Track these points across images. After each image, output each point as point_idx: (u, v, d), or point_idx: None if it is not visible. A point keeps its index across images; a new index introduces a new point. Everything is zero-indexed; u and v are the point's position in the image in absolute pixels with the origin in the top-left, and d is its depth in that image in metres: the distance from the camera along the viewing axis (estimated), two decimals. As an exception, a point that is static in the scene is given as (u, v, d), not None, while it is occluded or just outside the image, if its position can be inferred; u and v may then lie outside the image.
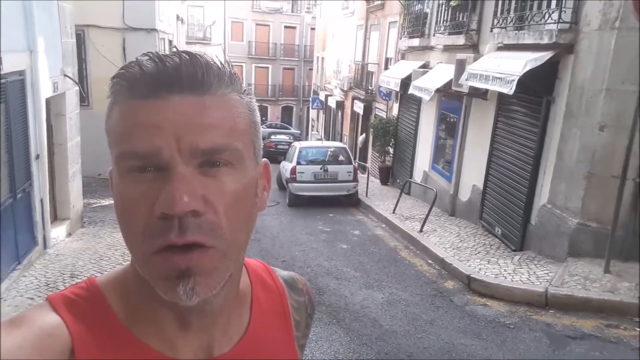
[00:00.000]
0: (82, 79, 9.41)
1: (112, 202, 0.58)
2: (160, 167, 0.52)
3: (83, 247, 6.60)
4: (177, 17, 16.11)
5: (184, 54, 0.54)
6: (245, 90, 0.59)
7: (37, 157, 5.97)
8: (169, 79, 0.53)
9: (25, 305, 4.70)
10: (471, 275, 5.66)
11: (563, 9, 5.71)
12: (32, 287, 5.15)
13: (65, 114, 7.12)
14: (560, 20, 5.70)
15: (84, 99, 8.48)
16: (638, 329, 4.31)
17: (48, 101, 6.45)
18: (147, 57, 0.54)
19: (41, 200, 6.08)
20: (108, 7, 10.73)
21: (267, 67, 33.63)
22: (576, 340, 4.22)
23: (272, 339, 0.70)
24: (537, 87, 6.27)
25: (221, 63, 0.57)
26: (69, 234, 7.08)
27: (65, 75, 7.02)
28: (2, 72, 4.87)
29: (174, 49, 0.56)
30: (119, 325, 0.59)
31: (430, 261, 6.78)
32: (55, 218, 7.03)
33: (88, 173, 9.34)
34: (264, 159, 0.64)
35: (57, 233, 6.69)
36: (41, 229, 6.10)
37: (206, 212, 0.52)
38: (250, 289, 0.71)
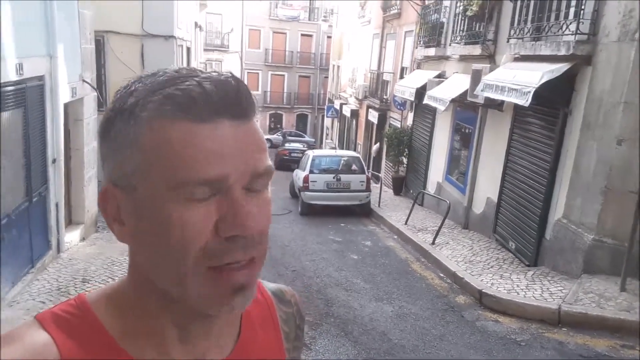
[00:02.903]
0: (100, 85, 9.56)
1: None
2: (220, 191, 0.53)
3: (96, 252, 6.67)
4: (196, 24, 16.33)
5: (231, 78, 0.55)
6: None
7: (54, 161, 6.07)
8: (225, 103, 0.53)
9: (37, 309, 4.75)
10: (483, 290, 5.57)
11: (581, 20, 5.62)
12: (44, 291, 5.21)
13: (83, 119, 7.23)
14: (578, 32, 5.62)
15: (101, 105, 8.62)
16: (655, 351, 4.18)
17: (66, 106, 6.56)
18: (198, 77, 0.53)
19: (56, 205, 6.16)
20: (127, 13, 10.93)
21: (283, 75, 33.87)
22: (590, 361, 4.12)
23: (262, 351, 0.70)
24: (554, 99, 6.18)
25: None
26: (83, 239, 7.16)
27: (84, 81, 7.15)
28: (20, 78, 4.97)
29: (229, 73, 0.56)
30: (109, 341, 0.58)
31: (441, 274, 6.69)
32: (70, 222, 7.13)
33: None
34: None
35: (71, 237, 6.77)
36: (55, 233, 6.18)
37: (263, 229, 0.56)
38: None
